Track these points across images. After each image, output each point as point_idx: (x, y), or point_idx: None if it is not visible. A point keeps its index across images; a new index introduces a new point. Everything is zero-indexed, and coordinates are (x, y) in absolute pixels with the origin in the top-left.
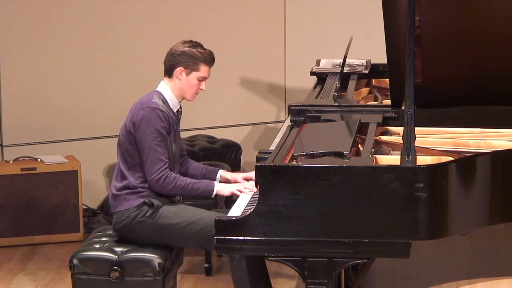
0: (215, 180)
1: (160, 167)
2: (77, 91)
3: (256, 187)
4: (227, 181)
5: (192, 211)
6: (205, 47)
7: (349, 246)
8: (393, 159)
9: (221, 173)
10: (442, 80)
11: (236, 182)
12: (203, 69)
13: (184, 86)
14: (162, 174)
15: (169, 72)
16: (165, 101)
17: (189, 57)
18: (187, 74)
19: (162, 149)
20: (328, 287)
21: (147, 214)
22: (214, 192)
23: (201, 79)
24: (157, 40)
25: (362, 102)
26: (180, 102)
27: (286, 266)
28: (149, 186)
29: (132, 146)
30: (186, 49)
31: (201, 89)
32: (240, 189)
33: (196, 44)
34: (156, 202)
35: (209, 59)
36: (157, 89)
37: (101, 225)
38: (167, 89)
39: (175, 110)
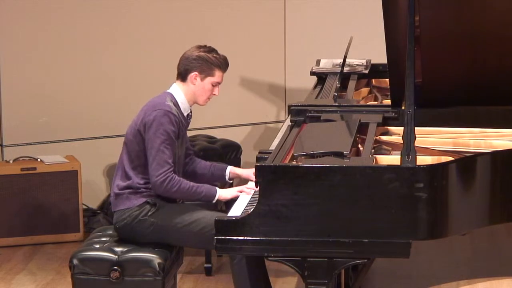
0: (224, 177)
1: (166, 170)
2: (77, 91)
3: (256, 187)
4: (237, 177)
5: (194, 211)
6: (219, 52)
7: (349, 246)
8: (393, 159)
9: (230, 169)
10: (442, 80)
11: (248, 178)
12: (218, 75)
13: (197, 91)
14: (167, 176)
15: (182, 76)
16: (176, 105)
17: (204, 62)
18: (202, 79)
19: (170, 152)
20: (328, 287)
21: (149, 213)
22: (216, 197)
23: (215, 84)
24: (157, 42)
25: (362, 102)
26: (191, 106)
27: (286, 266)
28: (153, 188)
29: (140, 147)
30: (202, 54)
31: (214, 94)
32: (241, 190)
33: (211, 49)
34: (158, 201)
35: (224, 65)
36: (169, 91)
37: (101, 225)
38: (179, 92)
39: (185, 114)
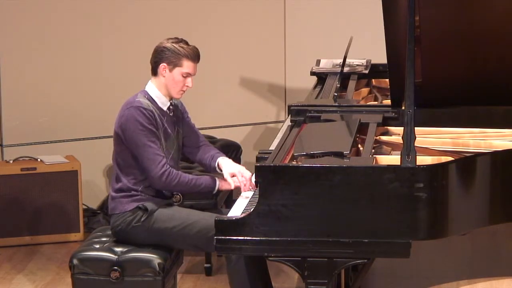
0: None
1: (160, 161)
2: (77, 91)
3: (256, 187)
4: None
5: (188, 213)
6: (189, 43)
7: (349, 246)
8: (393, 159)
9: (219, 161)
10: (442, 80)
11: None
12: (187, 65)
13: (168, 83)
14: (165, 169)
15: (154, 70)
16: (151, 100)
17: (171, 52)
18: (170, 70)
19: (156, 144)
20: (328, 287)
21: (142, 219)
22: (216, 188)
23: (185, 75)
24: (156, 40)
25: (362, 102)
26: (170, 99)
27: (286, 266)
28: (153, 183)
29: (121, 147)
30: (169, 45)
31: (187, 86)
32: (236, 185)
33: (179, 40)
34: (150, 206)
35: (193, 55)
36: (144, 88)
37: (101, 225)
38: (153, 87)
39: (165, 108)
